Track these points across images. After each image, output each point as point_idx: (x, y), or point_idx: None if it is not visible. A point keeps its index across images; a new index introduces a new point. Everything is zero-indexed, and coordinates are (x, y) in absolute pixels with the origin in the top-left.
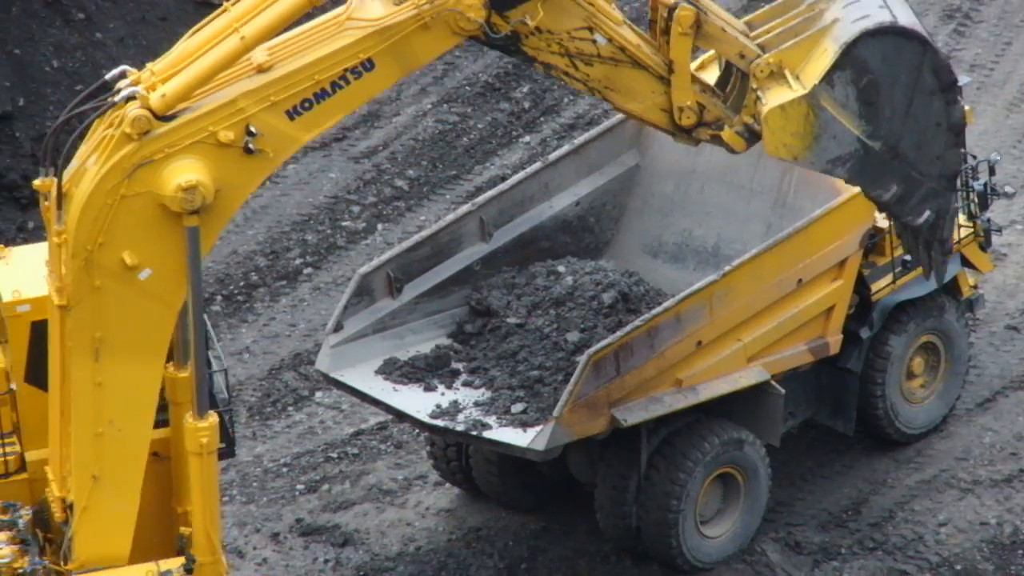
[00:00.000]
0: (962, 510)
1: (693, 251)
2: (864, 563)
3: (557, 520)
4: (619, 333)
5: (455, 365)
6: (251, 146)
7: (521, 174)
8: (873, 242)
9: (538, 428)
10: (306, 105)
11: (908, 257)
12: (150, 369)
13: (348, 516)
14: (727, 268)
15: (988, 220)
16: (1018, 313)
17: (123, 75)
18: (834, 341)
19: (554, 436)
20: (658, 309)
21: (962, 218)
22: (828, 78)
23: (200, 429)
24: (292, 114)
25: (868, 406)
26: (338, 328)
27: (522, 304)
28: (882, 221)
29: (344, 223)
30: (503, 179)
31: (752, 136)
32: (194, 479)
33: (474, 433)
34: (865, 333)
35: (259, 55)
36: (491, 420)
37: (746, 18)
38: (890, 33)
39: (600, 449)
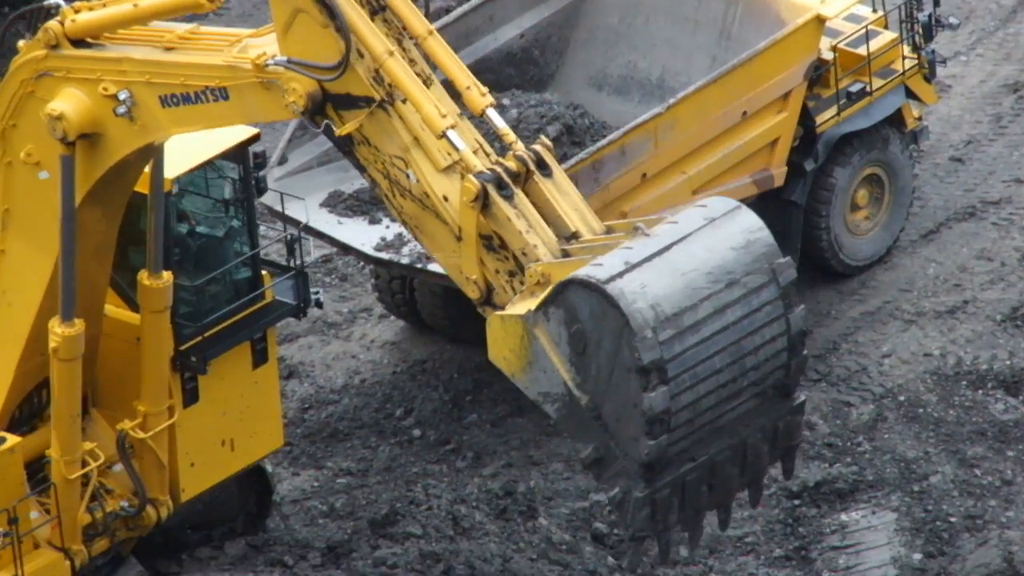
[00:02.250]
0: (905, 341)
1: (638, 83)
2: (808, 395)
3: None
4: (563, 166)
5: None
6: (119, 109)
7: (465, 6)
8: (818, 74)
9: None
10: (175, 100)
11: (853, 89)
12: (43, 259)
13: (293, 349)
14: (672, 100)
15: (932, 51)
16: (962, 144)
17: None
18: (778, 173)
19: None
20: (603, 142)
21: (907, 49)
22: (544, 310)
23: (55, 334)
24: (164, 102)
25: (812, 238)
26: (283, 161)
27: None
28: (827, 53)
29: None
30: (447, 11)
31: None
32: (52, 378)
33: (419, 265)
34: (809, 165)
35: (175, 33)
36: None
37: (612, 221)
38: (595, 291)
39: None
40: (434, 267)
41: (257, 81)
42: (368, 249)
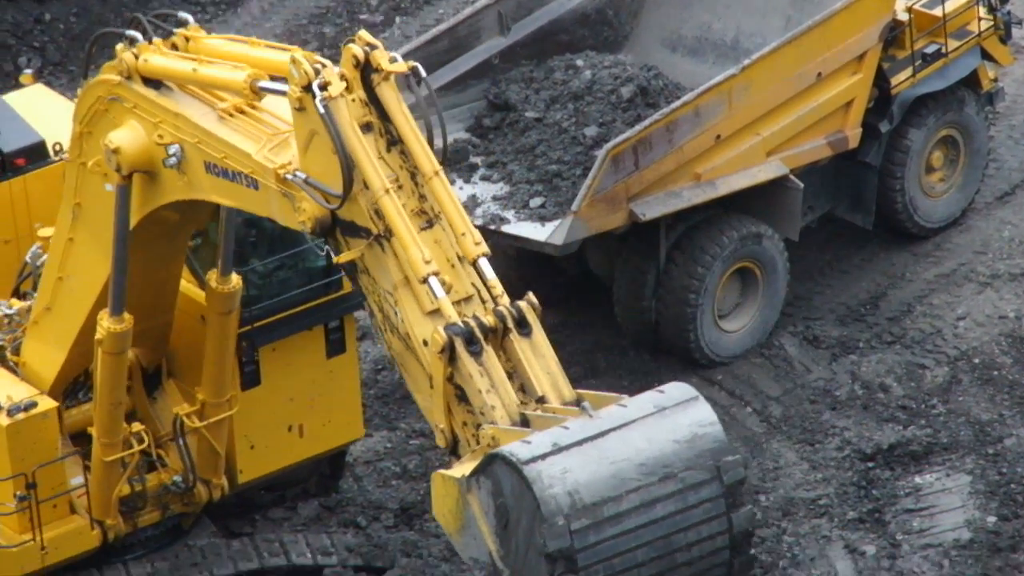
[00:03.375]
0: (980, 304)
1: (712, 45)
2: (882, 357)
3: (575, 314)
4: (638, 127)
5: (473, 159)
6: (168, 161)
7: None
8: (893, 35)
9: (556, 222)
10: (216, 170)
11: (929, 50)
12: (102, 261)
13: (364, 313)
14: (746, 62)
15: (1008, 13)
16: None
17: (183, 23)
18: (853, 135)
19: (572, 230)
20: (677, 103)
21: (982, 10)
22: (476, 478)
23: (101, 326)
24: (207, 168)
25: (887, 200)
26: None
27: (540, 98)
28: (902, 14)
29: (362, 16)
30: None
31: None
32: (95, 365)
33: (492, 227)
34: (884, 127)
35: (232, 102)
36: (509, 214)
37: (585, 391)
38: (515, 470)
39: (618, 244)
40: (508, 228)
41: (276, 188)
42: None
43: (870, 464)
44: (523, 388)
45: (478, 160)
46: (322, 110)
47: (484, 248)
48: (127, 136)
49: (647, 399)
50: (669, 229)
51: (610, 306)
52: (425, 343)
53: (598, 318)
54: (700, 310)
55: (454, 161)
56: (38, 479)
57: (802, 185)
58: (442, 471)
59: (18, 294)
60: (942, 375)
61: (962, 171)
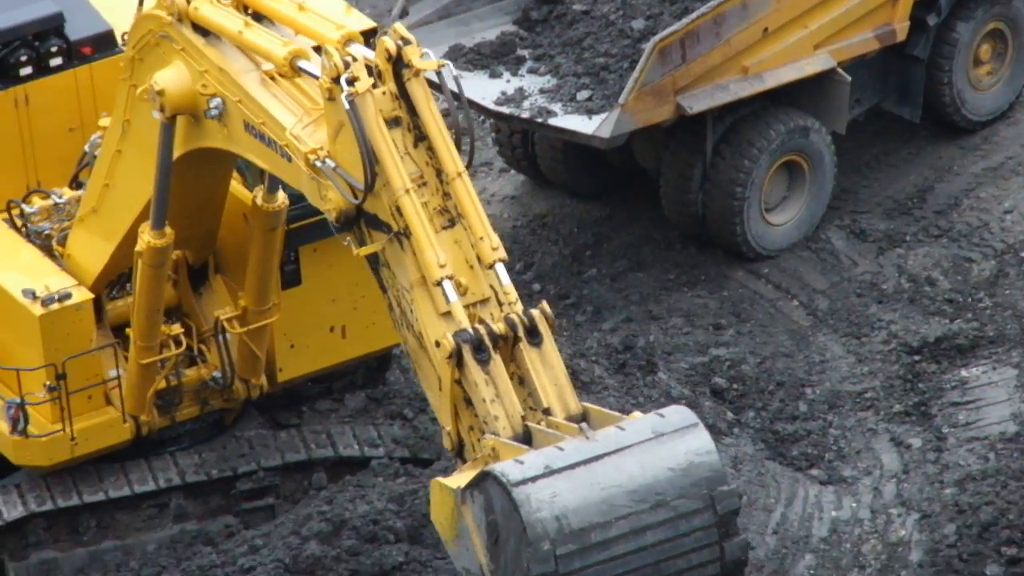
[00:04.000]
0: None
1: None
2: (929, 250)
3: (622, 207)
4: (685, 20)
5: (520, 52)
6: (210, 112)
7: None
8: None
9: (603, 115)
10: (254, 132)
11: None
12: (146, 179)
13: None
14: None
15: None
16: None
17: None
18: (901, 28)
19: (619, 123)
20: None
21: None
22: (470, 491)
23: (142, 239)
24: (246, 127)
25: (935, 93)
26: (403, 14)
27: None
28: None
29: None
30: None
31: None
32: (135, 274)
33: (539, 120)
34: (932, 20)
35: (275, 69)
36: (556, 107)
37: (589, 404)
38: (506, 490)
39: (665, 137)
40: (555, 121)
41: (305, 170)
42: (489, 103)
43: (916, 357)
44: (531, 395)
45: (525, 53)
46: (347, 105)
47: (501, 253)
48: (173, 78)
49: (646, 423)
50: (716, 122)
51: (657, 199)
52: (437, 344)
53: (645, 211)
54: (747, 203)
55: (501, 54)
56: (68, 370)
57: (849, 78)
58: (440, 479)
59: (75, 181)
60: (989, 268)
61: (1010, 64)
